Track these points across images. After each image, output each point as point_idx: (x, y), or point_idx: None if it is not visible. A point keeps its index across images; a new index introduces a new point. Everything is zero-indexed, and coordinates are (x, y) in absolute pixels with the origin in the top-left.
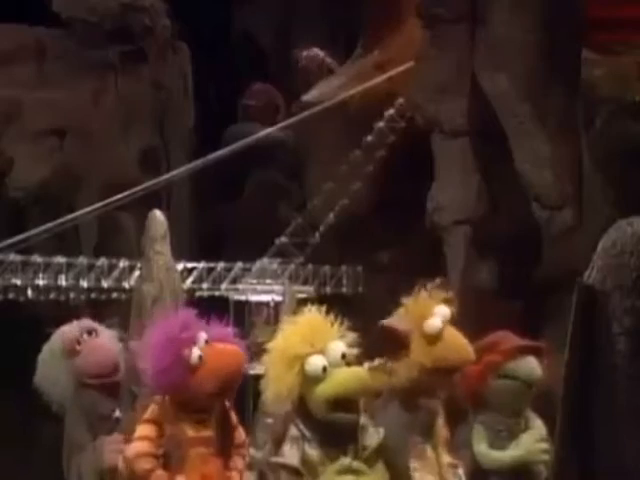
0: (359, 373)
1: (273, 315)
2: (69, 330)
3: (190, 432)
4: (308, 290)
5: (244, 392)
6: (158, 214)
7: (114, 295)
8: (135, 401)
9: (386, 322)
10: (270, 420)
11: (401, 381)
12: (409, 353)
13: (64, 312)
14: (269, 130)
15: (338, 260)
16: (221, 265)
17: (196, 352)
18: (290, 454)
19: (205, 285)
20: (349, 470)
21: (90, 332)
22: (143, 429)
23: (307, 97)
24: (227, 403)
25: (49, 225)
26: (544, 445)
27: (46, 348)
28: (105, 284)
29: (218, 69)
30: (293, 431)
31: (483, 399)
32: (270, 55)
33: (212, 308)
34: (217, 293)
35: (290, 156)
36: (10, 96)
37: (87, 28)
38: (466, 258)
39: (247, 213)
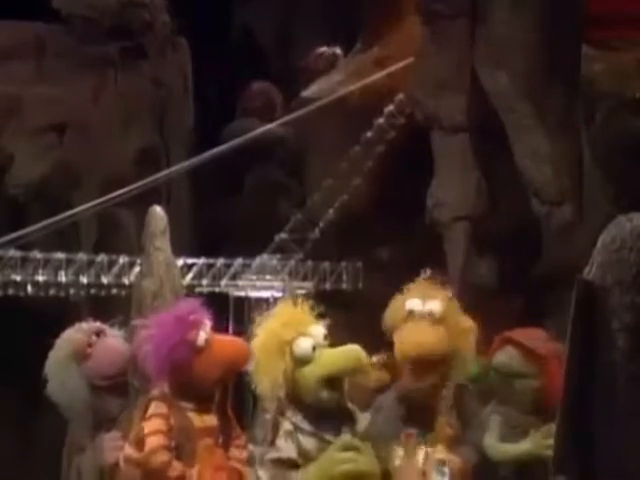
0: (351, 348)
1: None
2: (77, 334)
3: (197, 423)
4: (308, 286)
5: (243, 389)
6: (158, 210)
7: (114, 291)
8: (137, 397)
9: None
10: (269, 416)
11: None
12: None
13: (64, 308)
14: (269, 126)
15: (338, 256)
16: (221, 261)
17: (203, 334)
18: (286, 447)
19: (205, 281)
20: (350, 447)
21: (98, 333)
22: (153, 424)
23: (307, 93)
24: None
25: (49, 221)
26: (551, 440)
27: (54, 356)
28: (105, 280)
29: (218, 66)
30: (286, 425)
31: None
32: (270, 52)
33: (212, 304)
34: (217, 289)
35: (290, 152)
36: (9, 92)
37: (87, 24)
38: (466, 254)
39: (247, 209)
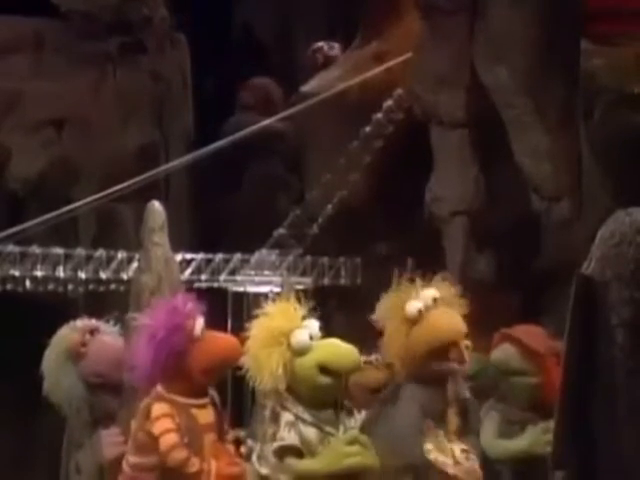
0: (346, 345)
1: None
2: (71, 333)
3: (201, 419)
4: (306, 281)
5: (242, 386)
6: (156, 205)
7: (112, 286)
8: (133, 395)
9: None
10: (268, 413)
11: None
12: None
13: (62, 303)
14: (268, 121)
15: (336, 251)
16: (219, 256)
17: (199, 324)
18: (289, 437)
19: (203, 276)
20: (357, 441)
21: (92, 332)
22: (163, 423)
23: (306, 88)
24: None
25: (47, 216)
26: (550, 436)
27: (49, 355)
28: (103, 275)
29: (217, 61)
30: (287, 417)
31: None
32: (269, 47)
33: (210, 299)
34: (215, 284)
35: (289, 148)
36: (8, 87)
37: (86, 20)
38: (464, 249)
39: (245, 204)
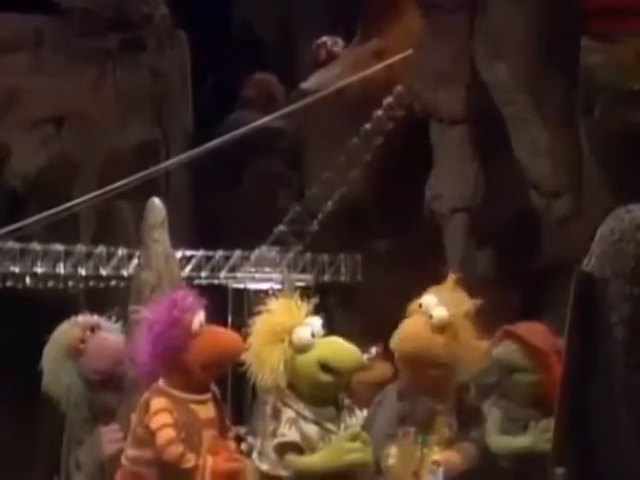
0: (347, 344)
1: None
2: (71, 330)
3: (201, 414)
4: (306, 278)
5: (242, 382)
6: (156, 202)
7: (112, 283)
8: (133, 391)
9: None
10: (269, 408)
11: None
12: None
13: (62, 300)
14: (268, 118)
15: (336, 248)
16: (220, 253)
17: (198, 320)
18: (289, 433)
19: (204, 273)
20: (358, 437)
21: (92, 328)
22: (160, 418)
23: (305, 85)
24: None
25: (47, 213)
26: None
27: (48, 351)
28: (103, 272)
29: (217, 58)
30: (289, 413)
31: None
32: (269, 44)
33: (211, 296)
34: (216, 281)
35: (289, 144)
36: (8, 84)
37: (85, 16)
38: (464, 246)
39: (246, 201)
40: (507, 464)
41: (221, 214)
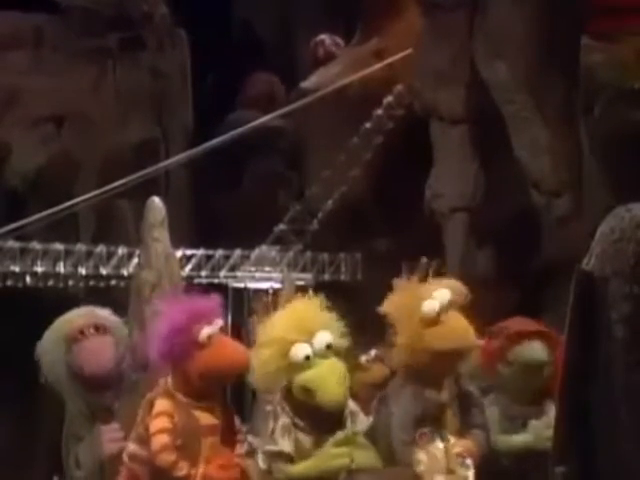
0: (335, 367)
1: (272, 302)
2: (79, 316)
3: (203, 420)
4: (307, 277)
5: (242, 382)
6: (156, 201)
7: (113, 282)
8: (134, 390)
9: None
10: (269, 408)
11: (397, 366)
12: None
13: (62, 299)
14: (268, 117)
15: (337, 247)
16: (220, 252)
17: (206, 331)
18: (282, 441)
19: (204, 272)
20: (345, 442)
21: (98, 328)
22: (159, 422)
23: (306, 84)
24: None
25: (47, 212)
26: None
27: (50, 330)
28: (104, 271)
29: (217, 57)
30: (284, 419)
31: (496, 384)
32: (269, 44)
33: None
34: (216, 280)
35: (289, 144)
36: (7, 83)
37: (85, 15)
38: (464, 245)
39: (246, 200)
40: (508, 462)
41: (221, 213)
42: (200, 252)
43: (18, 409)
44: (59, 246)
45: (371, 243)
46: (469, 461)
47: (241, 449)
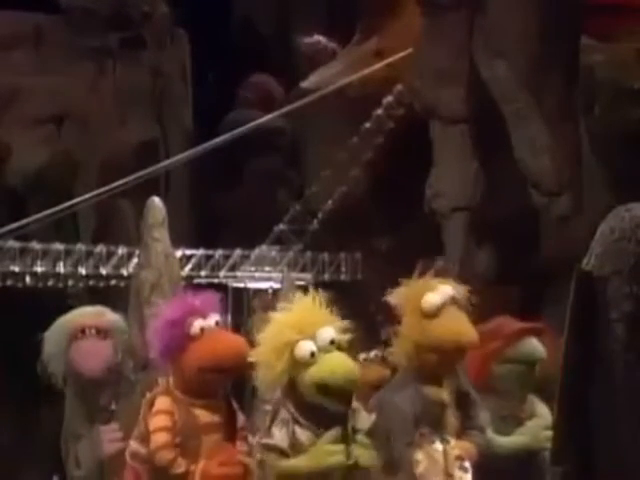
0: (346, 360)
1: (271, 302)
2: (84, 315)
3: (203, 418)
4: (307, 277)
5: (243, 379)
6: (156, 201)
7: (112, 282)
8: (133, 390)
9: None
10: (268, 407)
11: (399, 361)
12: (402, 329)
13: (62, 299)
14: (268, 117)
15: (336, 247)
16: (220, 252)
17: (199, 324)
18: (279, 436)
19: (204, 272)
20: (342, 440)
21: (99, 331)
22: (158, 420)
23: (305, 84)
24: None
25: (47, 212)
26: (549, 432)
27: (56, 324)
28: (103, 271)
29: (217, 56)
30: (283, 414)
31: (487, 385)
32: (270, 42)
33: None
34: (216, 280)
35: (289, 143)
36: (8, 83)
37: (86, 15)
38: (464, 244)
39: (246, 200)
40: (505, 463)
41: (221, 213)
42: (200, 252)
43: (18, 408)
44: (59, 246)
45: (371, 242)
46: (467, 464)
47: (244, 446)
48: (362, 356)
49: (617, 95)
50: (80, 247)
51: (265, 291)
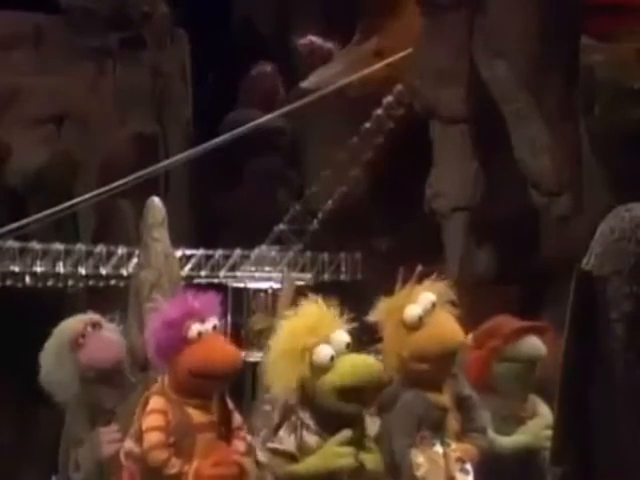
0: (368, 360)
1: (271, 302)
2: (73, 323)
3: (196, 418)
4: (306, 277)
5: (243, 379)
6: (156, 201)
7: (112, 282)
8: (134, 391)
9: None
10: (268, 407)
11: (391, 374)
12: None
13: (62, 299)
14: (268, 117)
15: (336, 247)
16: (220, 252)
17: (196, 328)
18: (287, 440)
19: (203, 272)
20: (351, 442)
21: (94, 325)
22: (152, 420)
23: (305, 84)
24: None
25: (47, 212)
26: (550, 432)
27: (49, 343)
28: (103, 271)
29: (217, 55)
30: (292, 418)
31: (488, 385)
32: (269, 41)
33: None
34: (216, 280)
35: (289, 143)
36: (8, 82)
37: (86, 14)
38: (464, 245)
39: (246, 200)
40: (506, 463)
41: (221, 213)
42: (200, 252)
43: (18, 409)
44: (59, 246)
45: (371, 242)
46: (468, 466)
47: (240, 446)
48: None
49: (617, 95)
50: (80, 247)
51: (265, 292)
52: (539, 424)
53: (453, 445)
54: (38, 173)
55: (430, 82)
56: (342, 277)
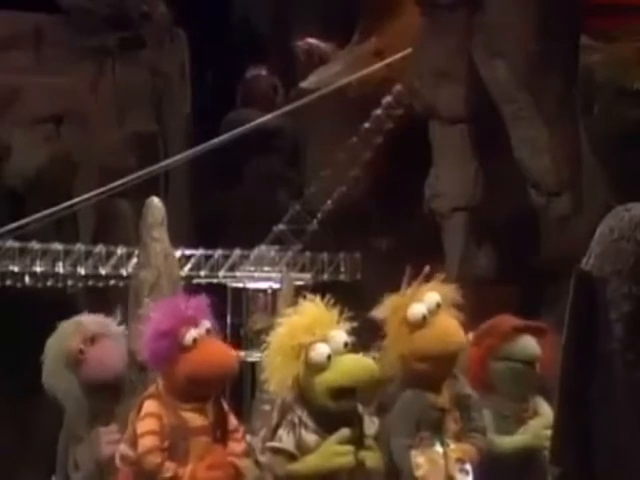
0: (365, 362)
1: (271, 302)
2: (71, 338)
3: (192, 421)
4: (306, 277)
5: (241, 379)
6: (156, 201)
7: (112, 282)
8: (133, 392)
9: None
10: (267, 407)
11: (386, 373)
12: (388, 343)
13: (61, 299)
14: (267, 117)
15: (336, 247)
16: (219, 252)
17: (192, 334)
18: (286, 439)
19: (203, 272)
20: (350, 441)
21: (93, 339)
22: (146, 424)
23: (305, 84)
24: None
25: (47, 212)
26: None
27: (48, 353)
28: (103, 271)
29: (216, 55)
30: (291, 416)
31: (487, 384)
32: (269, 41)
33: (210, 295)
34: (215, 280)
35: (288, 143)
36: (7, 82)
37: (85, 14)
38: (464, 245)
39: (245, 200)
40: (506, 463)
41: (220, 213)
42: (199, 252)
43: (17, 409)
44: (58, 246)
45: (371, 243)
46: (468, 466)
47: (237, 448)
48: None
49: (617, 95)
50: (79, 247)
51: (264, 292)
52: (540, 424)
53: (453, 445)
54: (37, 173)
55: (429, 82)
56: (341, 277)
